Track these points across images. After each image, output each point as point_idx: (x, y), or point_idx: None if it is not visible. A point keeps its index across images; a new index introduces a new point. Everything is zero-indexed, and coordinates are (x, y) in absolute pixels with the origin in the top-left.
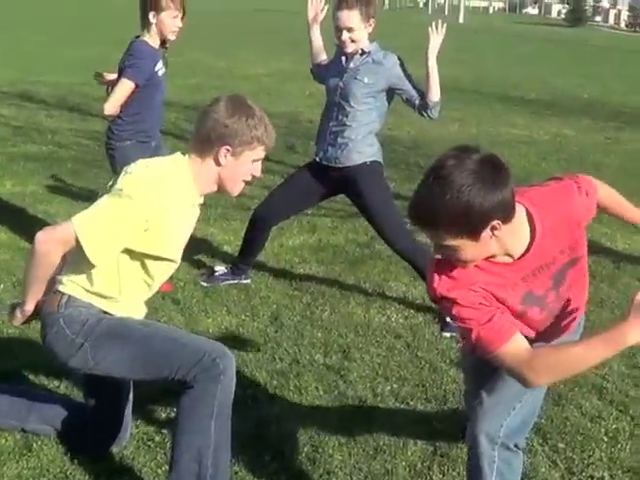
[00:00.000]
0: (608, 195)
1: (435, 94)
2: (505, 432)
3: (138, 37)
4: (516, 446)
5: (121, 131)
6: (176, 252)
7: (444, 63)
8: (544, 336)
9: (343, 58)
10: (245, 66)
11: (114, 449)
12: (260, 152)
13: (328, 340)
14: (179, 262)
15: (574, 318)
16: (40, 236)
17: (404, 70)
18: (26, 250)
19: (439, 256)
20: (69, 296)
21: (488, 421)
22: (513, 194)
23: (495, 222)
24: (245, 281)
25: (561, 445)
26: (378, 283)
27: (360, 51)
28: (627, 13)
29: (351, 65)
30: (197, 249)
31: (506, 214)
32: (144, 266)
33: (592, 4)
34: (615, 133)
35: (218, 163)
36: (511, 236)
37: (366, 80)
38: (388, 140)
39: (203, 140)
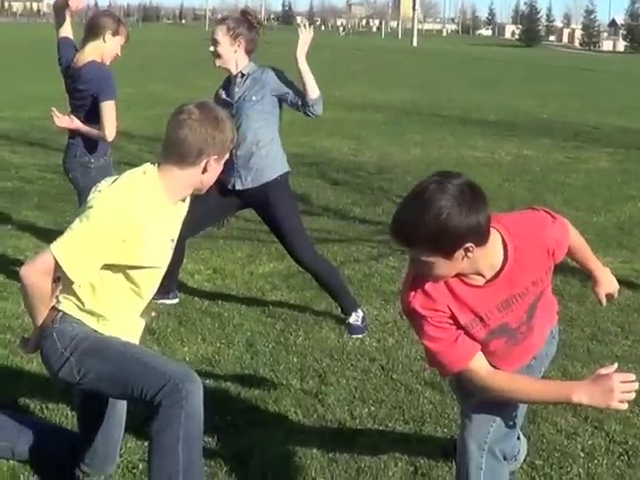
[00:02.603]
0: (577, 240)
1: (312, 91)
2: (492, 438)
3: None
4: (503, 455)
5: (94, 150)
6: (157, 259)
7: (401, 87)
8: (501, 362)
9: (223, 91)
10: (205, 96)
11: (100, 477)
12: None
13: (304, 365)
14: (164, 267)
15: (532, 347)
16: (23, 270)
17: (283, 78)
18: None
19: (415, 271)
20: (63, 313)
21: (475, 427)
22: (489, 220)
23: (469, 244)
24: (173, 301)
25: (539, 462)
26: None
27: (240, 75)
28: (581, 32)
29: (236, 90)
30: None
31: (480, 238)
32: (127, 276)
33: (545, 24)
34: (575, 152)
35: (204, 170)
36: (483, 258)
37: (254, 98)
38: (352, 166)
39: (186, 152)
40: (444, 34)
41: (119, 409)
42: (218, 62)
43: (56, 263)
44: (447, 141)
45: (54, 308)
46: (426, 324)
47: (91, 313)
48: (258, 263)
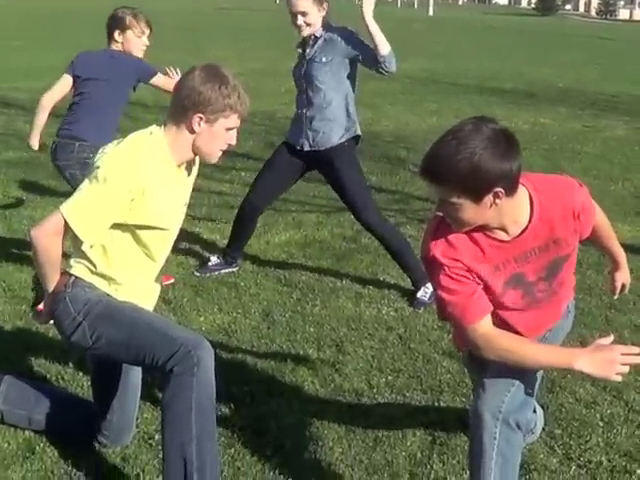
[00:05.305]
0: (602, 221)
1: (383, 48)
2: (506, 408)
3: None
4: (517, 425)
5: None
6: (166, 220)
7: (418, 56)
8: (516, 325)
9: (300, 50)
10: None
11: (116, 448)
12: (234, 120)
13: (321, 335)
14: (175, 231)
15: (550, 315)
16: (33, 233)
17: (354, 39)
18: (15, 256)
19: (440, 214)
20: (75, 277)
21: (490, 397)
22: (520, 169)
23: (498, 189)
24: (235, 268)
25: (558, 431)
26: (367, 276)
27: (314, 37)
28: (597, 1)
29: (308, 50)
30: (184, 249)
31: (510, 185)
32: (137, 238)
33: None
34: (592, 121)
35: (192, 131)
36: (510, 210)
37: (324, 59)
38: (368, 135)
39: (178, 108)
40: (460, 3)
41: (133, 379)
42: (308, 31)
43: (66, 224)
44: (463, 110)
45: (66, 272)
46: (444, 274)
47: (103, 276)
48: (274, 232)
